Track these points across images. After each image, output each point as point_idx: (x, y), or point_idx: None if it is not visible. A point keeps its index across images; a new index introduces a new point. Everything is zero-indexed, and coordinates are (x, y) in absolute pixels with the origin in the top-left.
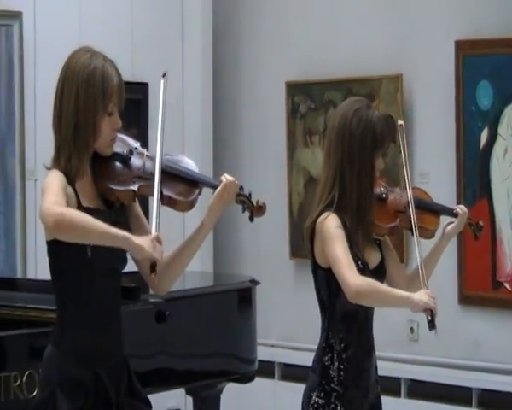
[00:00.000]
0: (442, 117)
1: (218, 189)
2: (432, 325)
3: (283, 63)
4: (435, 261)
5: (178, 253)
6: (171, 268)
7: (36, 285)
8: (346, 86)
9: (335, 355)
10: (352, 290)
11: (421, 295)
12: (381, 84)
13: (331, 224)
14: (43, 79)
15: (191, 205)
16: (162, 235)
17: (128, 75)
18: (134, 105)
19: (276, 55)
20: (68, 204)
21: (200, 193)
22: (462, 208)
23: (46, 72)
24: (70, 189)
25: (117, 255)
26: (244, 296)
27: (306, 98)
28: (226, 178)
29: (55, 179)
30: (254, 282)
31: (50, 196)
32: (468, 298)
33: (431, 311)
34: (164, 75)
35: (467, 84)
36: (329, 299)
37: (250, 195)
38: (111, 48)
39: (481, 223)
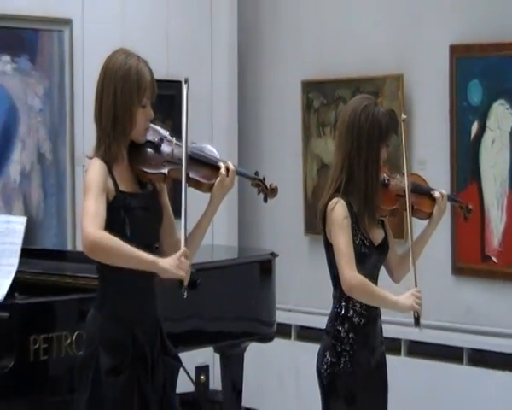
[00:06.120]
0: (438, 112)
1: (218, 179)
2: (417, 322)
3: (299, 65)
4: (424, 243)
5: (190, 237)
6: None
7: (84, 257)
8: (354, 84)
9: (346, 320)
10: (347, 285)
11: (406, 300)
12: (385, 82)
13: (339, 212)
14: (91, 78)
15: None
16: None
17: (164, 74)
18: (169, 100)
19: (293, 57)
20: (108, 194)
21: None
22: (440, 192)
23: (93, 72)
24: (109, 179)
25: (152, 234)
26: (265, 267)
27: (319, 95)
28: (226, 165)
29: (96, 178)
30: (274, 255)
31: (90, 208)
32: (460, 269)
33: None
34: (186, 81)
35: (460, 83)
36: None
37: (264, 179)
38: (149, 50)
39: (471, 206)
